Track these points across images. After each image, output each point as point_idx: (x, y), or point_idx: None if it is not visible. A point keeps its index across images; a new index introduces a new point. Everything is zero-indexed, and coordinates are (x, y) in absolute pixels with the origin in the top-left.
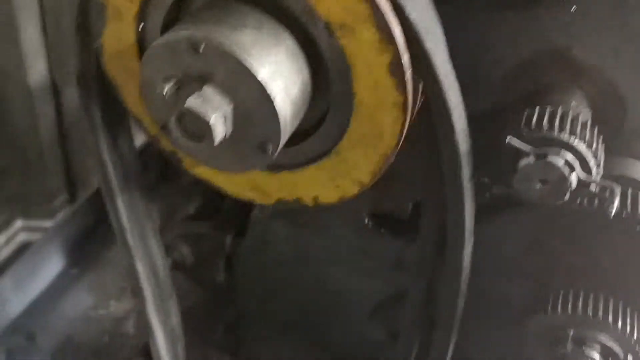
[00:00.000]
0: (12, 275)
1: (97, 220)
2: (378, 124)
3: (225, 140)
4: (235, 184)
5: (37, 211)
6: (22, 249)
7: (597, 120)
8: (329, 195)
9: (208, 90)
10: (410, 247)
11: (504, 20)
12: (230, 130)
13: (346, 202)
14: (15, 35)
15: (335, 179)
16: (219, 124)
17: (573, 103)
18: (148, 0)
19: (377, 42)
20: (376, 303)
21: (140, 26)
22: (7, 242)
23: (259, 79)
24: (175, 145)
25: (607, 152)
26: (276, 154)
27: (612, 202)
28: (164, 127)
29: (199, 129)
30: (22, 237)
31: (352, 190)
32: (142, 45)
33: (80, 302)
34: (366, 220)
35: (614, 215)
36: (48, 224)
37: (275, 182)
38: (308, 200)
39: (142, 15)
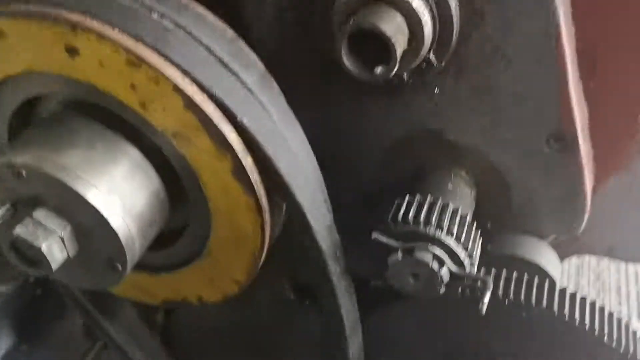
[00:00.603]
0: None
1: (46, 291)
2: (238, 227)
3: (69, 261)
4: (119, 285)
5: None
6: None
7: (483, 198)
8: (211, 294)
9: (41, 214)
10: None
11: (374, 104)
12: (74, 250)
13: (268, 275)
14: None
15: (214, 280)
16: (55, 250)
17: (450, 186)
18: None
19: (213, 149)
20: None
21: None
22: None
23: (90, 201)
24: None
25: (500, 229)
26: (128, 270)
27: (484, 297)
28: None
29: (34, 255)
30: None
31: (232, 288)
32: None
33: None
34: (289, 293)
35: (500, 301)
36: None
37: (158, 283)
38: (193, 299)
39: None
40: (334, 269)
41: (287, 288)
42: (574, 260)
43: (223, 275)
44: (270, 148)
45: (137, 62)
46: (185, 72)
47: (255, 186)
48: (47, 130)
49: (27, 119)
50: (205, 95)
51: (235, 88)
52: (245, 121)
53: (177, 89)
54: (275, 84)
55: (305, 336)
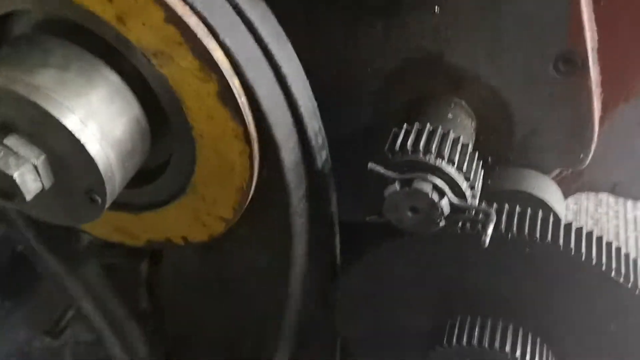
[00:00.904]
0: None
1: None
2: (224, 157)
3: (45, 193)
4: (99, 227)
5: None
6: None
7: (484, 131)
8: (197, 233)
9: (12, 141)
10: None
11: (368, 28)
12: (49, 181)
13: (255, 218)
14: None
15: (199, 217)
16: (29, 179)
17: (449, 116)
18: None
19: (197, 68)
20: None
21: None
22: None
23: (66, 126)
24: None
25: (501, 163)
26: (107, 202)
27: (487, 230)
28: None
29: (6, 186)
30: None
31: (219, 227)
32: None
33: (13, 337)
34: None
35: (502, 236)
36: None
37: (140, 223)
38: (177, 240)
39: None
40: (297, 209)
41: None
42: (571, 206)
43: (209, 212)
44: (251, 73)
45: None
46: None
47: (242, 111)
48: (19, 50)
49: None
50: (187, 8)
51: (221, 3)
52: (228, 41)
53: (157, 0)
54: (263, 2)
55: None
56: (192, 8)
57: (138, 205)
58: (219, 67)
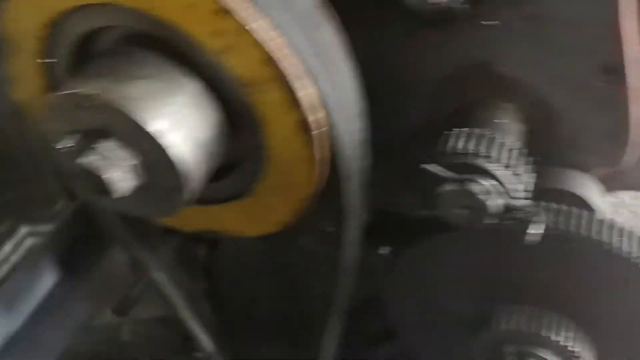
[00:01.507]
0: (6, 290)
1: (87, 227)
2: (292, 175)
3: (131, 192)
4: None
5: (40, 216)
6: (30, 255)
7: (531, 132)
8: (253, 231)
9: (108, 145)
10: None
11: (421, 38)
12: (139, 182)
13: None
14: None
15: (258, 218)
16: (120, 180)
17: (500, 120)
18: (51, 38)
19: (284, 102)
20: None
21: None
22: (15, 249)
23: (152, 132)
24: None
25: (544, 163)
26: (187, 201)
27: (538, 229)
28: (69, 181)
29: (99, 184)
30: (28, 243)
31: (275, 228)
32: (50, 80)
33: (76, 313)
34: (331, 228)
35: (546, 233)
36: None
37: (201, 214)
38: (235, 233)
39: (46, 51)
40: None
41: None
42: None
43: (268, 217)
44: (335, 114)
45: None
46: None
47: (316, 142)
48: (114, 61)
49: (85, 55)
50: (285, 51)
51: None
52: (321, 84)
53: (258, 43)
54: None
55: None
56: (289, 52)
57: (203, 199)
58: (300, 104)
